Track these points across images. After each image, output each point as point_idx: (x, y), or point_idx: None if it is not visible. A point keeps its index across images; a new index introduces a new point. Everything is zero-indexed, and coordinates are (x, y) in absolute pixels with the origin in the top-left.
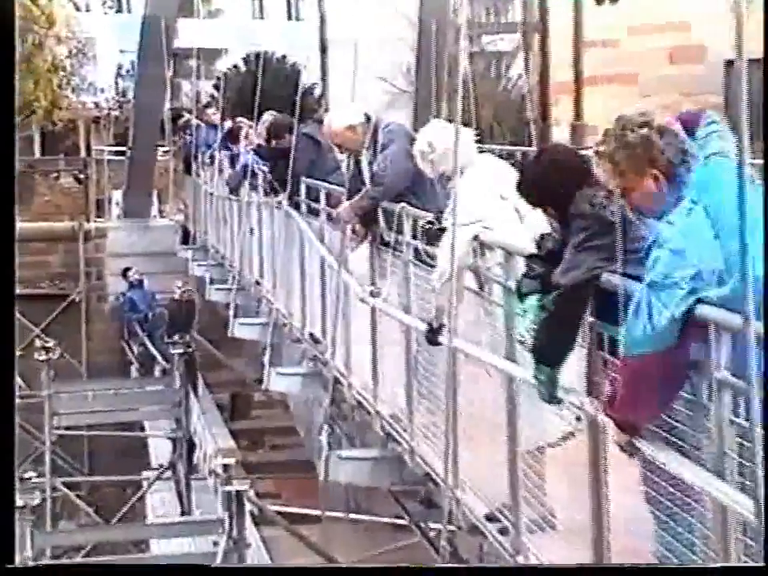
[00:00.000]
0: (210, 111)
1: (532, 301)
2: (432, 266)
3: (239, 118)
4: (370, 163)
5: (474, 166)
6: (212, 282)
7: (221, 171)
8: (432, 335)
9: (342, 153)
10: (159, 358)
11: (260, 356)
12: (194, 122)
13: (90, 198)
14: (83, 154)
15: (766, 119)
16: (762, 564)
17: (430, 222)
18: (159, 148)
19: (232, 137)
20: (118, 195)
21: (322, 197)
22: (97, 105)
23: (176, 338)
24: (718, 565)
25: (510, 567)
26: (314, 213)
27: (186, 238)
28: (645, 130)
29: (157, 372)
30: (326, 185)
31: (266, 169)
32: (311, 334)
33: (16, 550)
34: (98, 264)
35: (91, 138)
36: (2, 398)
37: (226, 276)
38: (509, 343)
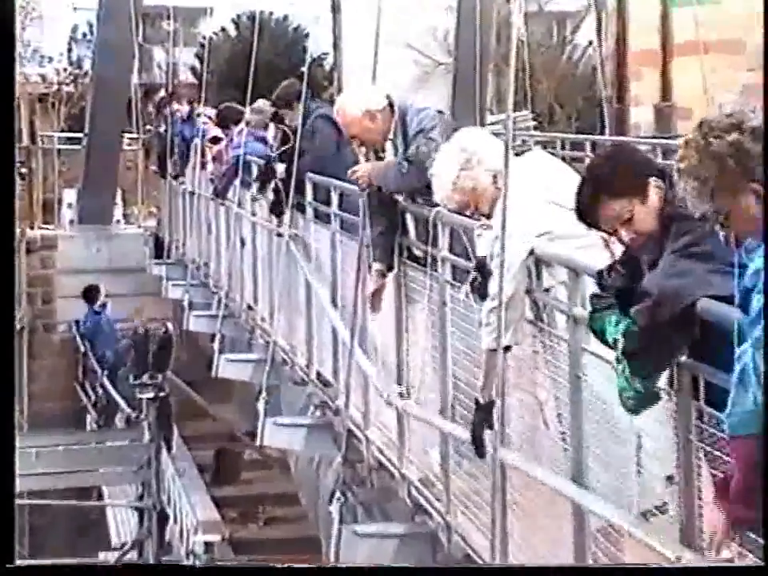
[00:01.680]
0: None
1: (611, 325)
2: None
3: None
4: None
5: (519, 166)
6: (192, 306)
7: (204, 166)
8: (479, 442)
9: (359, 147)
10: (123, 404)
11: (253, 402)
12: (173, 105)
13: (35, 198)
14: (25, 141)
15: (766, 115)
16: (762, 564)
17: (479, 268)
18: (125, 135)
19: (219, 120)
20: (71, 195)
21: (334, 198)
22: (44, 78)
23: (145, 378)
24: (718, 565)
25: (510, 567)
26: (324, 218)
27: (158, 251)
28: (735, 135)
29: (119, 422)
30: (339, 182)
31: (261, 162)
32: (319, 375)
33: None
34: (44, 283)
35: (36, 121)
36: (2, 398)
37: (210, 299)
38: (574, 388)
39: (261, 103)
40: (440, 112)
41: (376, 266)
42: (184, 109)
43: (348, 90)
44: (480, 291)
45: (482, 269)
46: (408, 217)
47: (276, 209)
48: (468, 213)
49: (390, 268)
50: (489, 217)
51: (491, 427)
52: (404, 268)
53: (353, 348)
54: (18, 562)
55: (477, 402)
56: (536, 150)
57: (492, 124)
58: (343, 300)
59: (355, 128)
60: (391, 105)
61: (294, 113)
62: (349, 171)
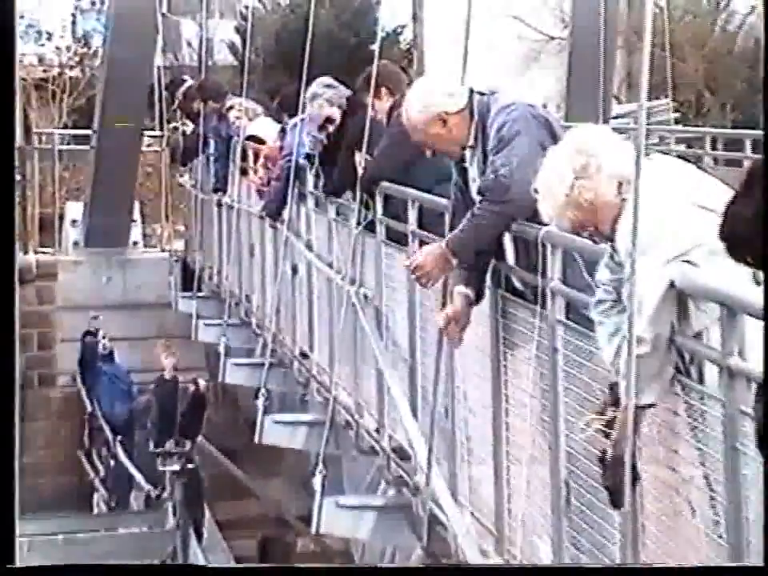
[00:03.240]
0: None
1: None
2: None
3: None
4: (482, 171)
5: (650, 171)
6: (229, 352)
7: (245, 172)
8: (615, 499)
9: (433, 156)
10: (141, 479)
11: (307, 477)
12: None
13: (30, 213)
14: (18, 140)
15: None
16: (761, 564)
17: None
18: (145, 133)
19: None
20: (75, 209)
21: (412, 214)
22: (41, 59)
23: (169, 445)
24: (718, 565)
25: (509, 567)
26: (400, 240)
27: (187, 281)
28: None
29: (136, 503)
30: (418, 194)
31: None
32: (393, 442)
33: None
34: (41, 322)
35: (32, 114)
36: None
37: (253, 344)
38: (731, 464)
39: (317, 86)
40: (531, 106)
41: (460, 288)
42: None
43: (418, 83)
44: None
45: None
46: (506, 239)
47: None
48: (585, 234)
49: (478, 296)
50: (612, 239)
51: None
52: (502, 303)
53: (435, 408)
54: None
55: (602, 455)
56: (656, 155)
57: (619, 117)
58: (424, 356)
59: (420, 134)
60: (472, 102)
61: (382, 103)
62: (409, 263)
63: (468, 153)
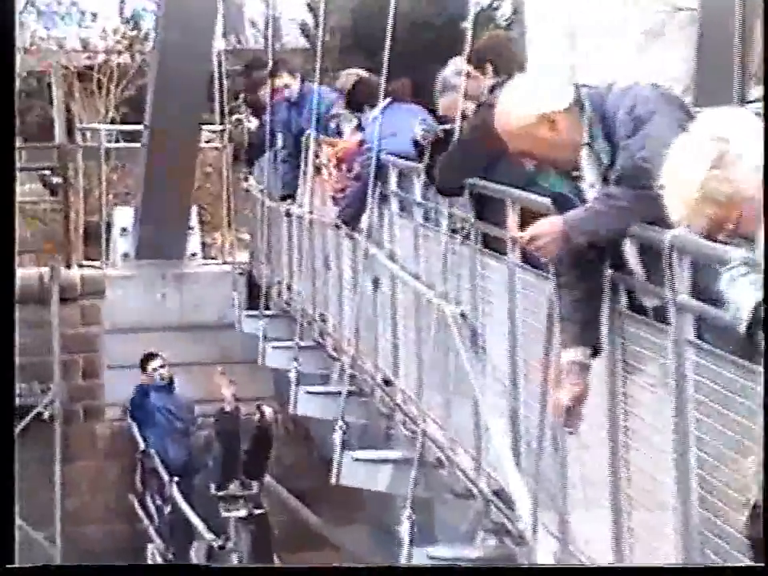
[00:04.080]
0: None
1: None
2: None
3: (353, 71)
4: (611, 164)
5: None
6: (302, 380)
7: (318, 171)
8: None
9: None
10: (202, 526)
11: (392, 523)
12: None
13: (73, 221)
14: (58, 137)
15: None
16: (761, 564)
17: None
18: (204, 128)
19: (353, 102)
20: (125, 216)
21: (512, 217)
22: (85, 45)
23: (234, 487)
24: (718, 565)
25: (510, 567)
26: (496, 247)
27: (253, 298)
28: None
29: (197, 555)
30: (520, 193)
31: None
32: (491, 480)
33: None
34: (86, 346)
35: (74, 107)
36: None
37: (329, 369)
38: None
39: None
40: (656, 86)
41: (570, 354)
42: (293, 86)
43: (513, 83)
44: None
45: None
46: (627, 245)
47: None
48: (722, 236)
49: (596, 352)
50: (753, 240)
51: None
52: (620, 321)
53: (541, 443)
54: None
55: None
56: None
57: (757, 101)
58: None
59: (525, 142)
60: (580, 99)
61: (482, 80)
62: (519, 236)
63: (585, 156)
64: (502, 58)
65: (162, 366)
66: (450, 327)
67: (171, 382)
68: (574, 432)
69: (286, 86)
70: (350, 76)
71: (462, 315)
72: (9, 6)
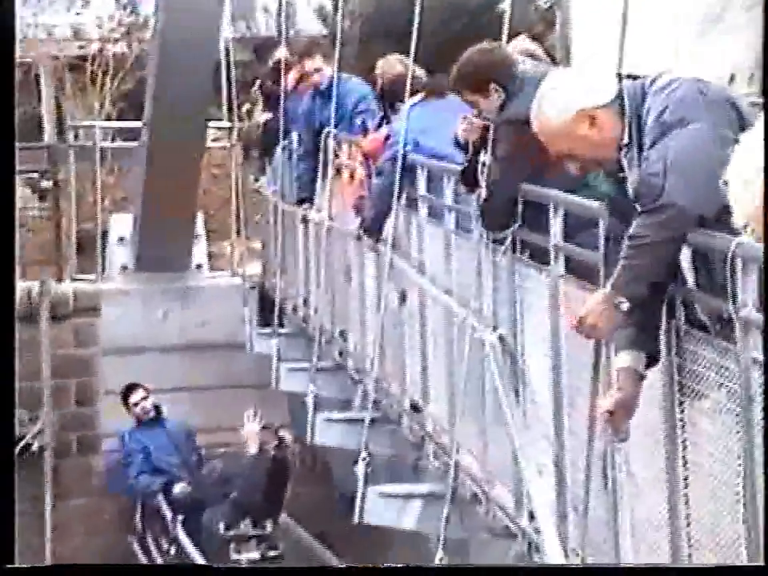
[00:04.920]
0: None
1: None
2: None
3: (393, 58)
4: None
5: None
6: (320, 405)
7: (339, 171)
8: None
9: (581, 172)
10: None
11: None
12: (292, 72)
13: (65, 229)
14: (48, 136)
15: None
16: (761, 564)
17: None
18: (211, 125)
19: (387, 97)
20: (123, 224)
21: (556, 223)
22: (77, 33)
23: (245, 526)
24: (718, 565)
25: (510, 567)
26: (540, 256)
27: (265, 314)
28: None
29: None
30: (564, 196)
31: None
32: (533, 518)
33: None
34: (80, 369)
35: (66, 102)
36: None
37: (350, 394)
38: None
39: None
40: (701, 82)
41: (621, 359)
42: (325, 72)
43: (551, 78)
44: None
45: None
46: (684, 254)
47: None
48: None
49: (652, 361)
50: None
51: None
52: (677, 338)
53: (588, 483)
54: None
55: None
56: None
57: None
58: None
59: (563, 142)
60: (622, 93)
61: (489, 102)
62: (570, 323)
63: (624, 159)
64: (502, 74)
65: (144, 398)
66: (486, 352)
67: (159, 412)
68: (622, 437)
69: (317, 71)
70: (388, 64)
71: (501, 339)
72: (8, 7)
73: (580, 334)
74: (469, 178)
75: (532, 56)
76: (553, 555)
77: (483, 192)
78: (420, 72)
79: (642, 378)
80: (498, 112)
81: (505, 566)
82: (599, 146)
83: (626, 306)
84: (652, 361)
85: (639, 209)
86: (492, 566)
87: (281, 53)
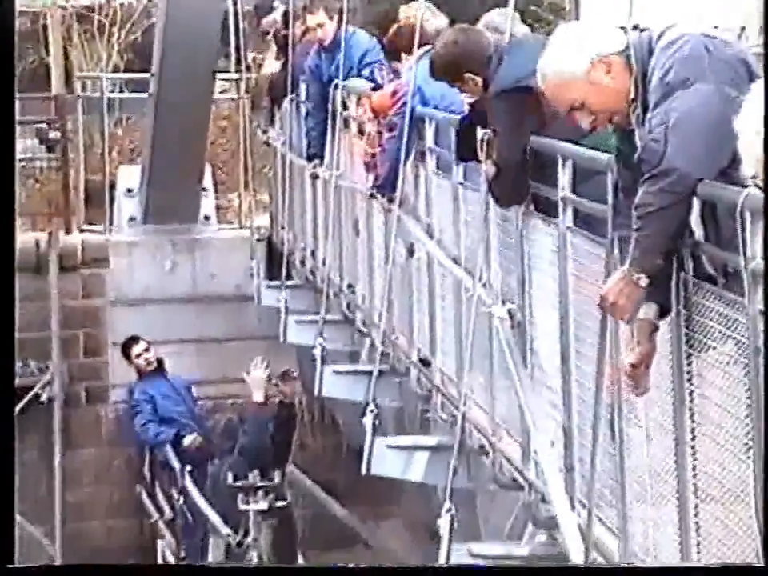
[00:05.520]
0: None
1: None
2: None
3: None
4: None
5: None
6: (327, 358)
7: (347, 125)
8: None
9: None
10: (217, 521)
11: (431, 518)
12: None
13: (73, 180)
14: (55, 88)
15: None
16: (761, 564)
17: None
18: (219, 76)
19: (393, 49)
20: (131, 176)
21: (564, 176)
22: None
23: (253, 477)
24: (718, 565)
25: (513, 567)
26: (547, 209)
27: (273, 267)
28: None
29: (214, 553)
30: (571, 148)
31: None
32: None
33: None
34: (89, 320)
35: (73, 53)
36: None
37: (358, 346)
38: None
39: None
40: (709, 38)
41: (643, 311)
42: (328, 28)
43: (559, 32)
44: None
45: None
46: (694, 205)
47: None
48: None
49: (663, 311)
50: None
51: None
52: (684, 291)
53: (596, 427)
54: None
55: None
56: None
57: None
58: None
59: (579, 91)
60: (627, 52)
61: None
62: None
63: (633, 117)
64: (474, 62)
65: (146, 350)
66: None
67: (161, 364)
68: (638, 395)
69: (320, 26)
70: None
71: (510, 313)
72: (8, 7)
73: (605, 312)
74: (464, 152)
75: (496, 29)
76: (559, 506)
77: (490, 169)
78: (439, 21)
79: (656, 329)
80: (482, 92)
81: (504, 566)
82: (613, 95)
83: (644, 281)
84: (664, 312)
85: (642, 175)
86: (492, 566)
87: (273, 16)
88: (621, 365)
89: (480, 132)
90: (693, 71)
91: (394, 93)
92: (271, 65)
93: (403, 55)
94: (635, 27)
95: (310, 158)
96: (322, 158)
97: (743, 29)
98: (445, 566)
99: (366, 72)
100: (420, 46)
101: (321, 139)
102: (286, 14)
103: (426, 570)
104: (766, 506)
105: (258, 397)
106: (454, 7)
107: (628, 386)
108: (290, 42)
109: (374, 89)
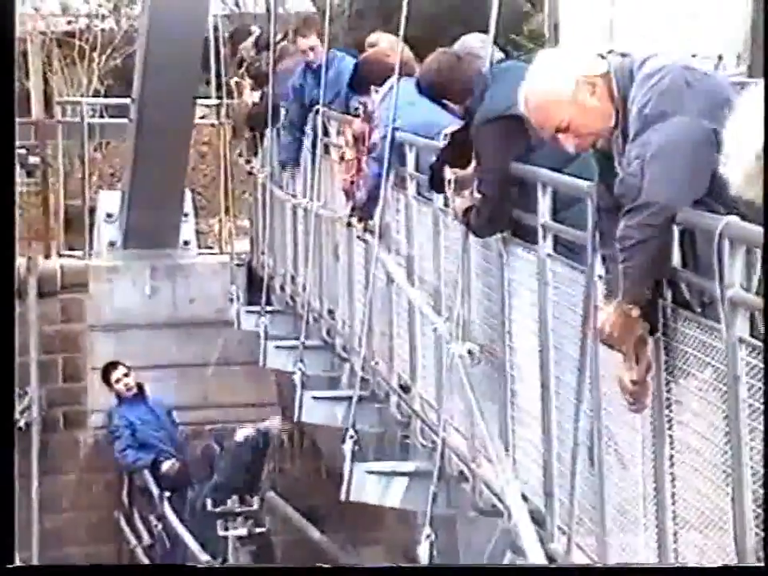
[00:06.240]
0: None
1: None
2: None
3: (376, 37)
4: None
5: None
6: (307, 383)
7: (327, 150)
8: None
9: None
10: (195, 547)
11: (410, 544)
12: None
13: (53, 205)
14: (35, 113)
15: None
16: (761, 564)
17: None
18: (199, 102)
19: (370, 76)
20: (111, 201)
21: (544, 202)
22: (65, 9)
23: (232, 503)
24: (718, 565)
25: (512, 567)
26: (526, 236)
27: (253, 291)
28: None
29: None
30: (551, 175)
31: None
32: (525, 499)
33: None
34: (68, 345)
35: (54, 79)
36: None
37: (338, 371)
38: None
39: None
40: (688, 70)
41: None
42: (318, 49)
43: (541, 57)
44: None
45: None
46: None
47: None
48: None
49: (653, 329)
50: None
51: None
52: (663, 317)
53: (576, 455)
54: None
55: None
56: None
57: None
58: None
59: (564, 111)
60: (608, 72)
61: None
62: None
63: (615, 142)
64: (456, 89)
65: (125, 375)
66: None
67: (141, 389)
68: (637, 412)
69: (311, 49)
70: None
71: (470, 353)
72: (8, 8)
73: (603, 343)
74: (437, 188)
75: (470, 53)
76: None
77: (459, 206)
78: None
79: (647, 343)
80: (465, 112)
81: (503, 566)
82: (598, 116)
83: (636, 312)
84: (653, 330)
85: (622, 206)
86: (490, 566)
87: (252, 39)
88: (601, 391)
89: (448, 172)
90: (671, 104)
91: (369, 118)
92: (250, 95)
93: (372, 87)
94: (612, 52)
95: (282, 165)
96: (295, 164)
97: (720, 57)
98: (444, 565)
99: (354, 103)
100: (388, 77)
101: (294, 149)
102: (257, 42)
103: (425, 569)
104: (766, 506)
105: (239, 437)
106: (434, 30)
107: (629, 404)
108: (269, 70)
109: (355, 115)
